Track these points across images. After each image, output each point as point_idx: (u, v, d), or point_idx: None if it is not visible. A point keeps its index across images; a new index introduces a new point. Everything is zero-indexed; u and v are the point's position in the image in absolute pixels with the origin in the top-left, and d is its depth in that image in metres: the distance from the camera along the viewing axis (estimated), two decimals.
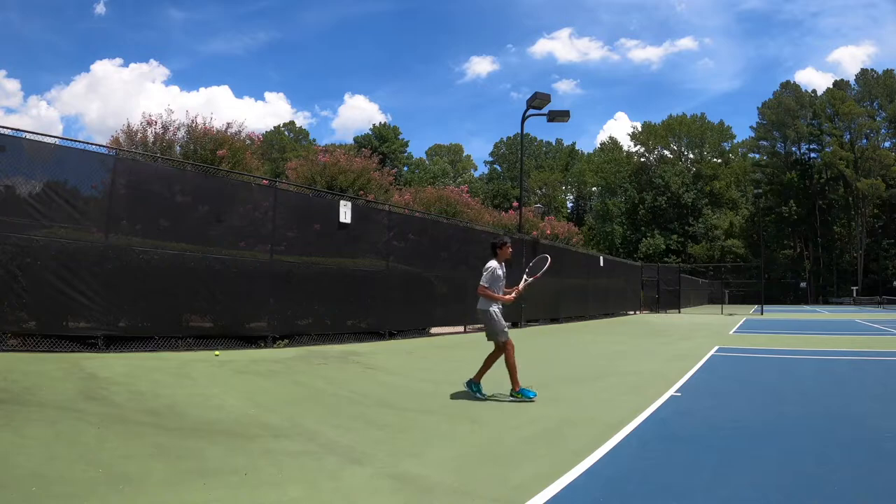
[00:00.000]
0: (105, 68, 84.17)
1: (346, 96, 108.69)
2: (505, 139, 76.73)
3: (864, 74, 58.93)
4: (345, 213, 9.90)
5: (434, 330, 12.32)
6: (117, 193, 7.21)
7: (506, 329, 5.20)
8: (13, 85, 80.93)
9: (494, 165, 77.89)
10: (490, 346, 5.30)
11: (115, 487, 2.68)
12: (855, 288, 51.65)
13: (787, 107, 59.31)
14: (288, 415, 4.40)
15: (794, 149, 61.41)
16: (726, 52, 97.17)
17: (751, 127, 65.58)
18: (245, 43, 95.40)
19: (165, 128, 9.81)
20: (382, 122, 70.10)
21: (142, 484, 2.75)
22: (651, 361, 8.42)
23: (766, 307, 30.96)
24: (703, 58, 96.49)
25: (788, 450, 3.63)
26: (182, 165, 8.84)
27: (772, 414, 4.83)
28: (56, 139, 6.91)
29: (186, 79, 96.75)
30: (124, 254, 7.07)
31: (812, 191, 58.51)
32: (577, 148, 78.45)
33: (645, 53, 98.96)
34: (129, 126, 9.74)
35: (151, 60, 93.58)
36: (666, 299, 29.79)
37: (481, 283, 5.16)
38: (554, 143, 79.60)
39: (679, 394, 5.63)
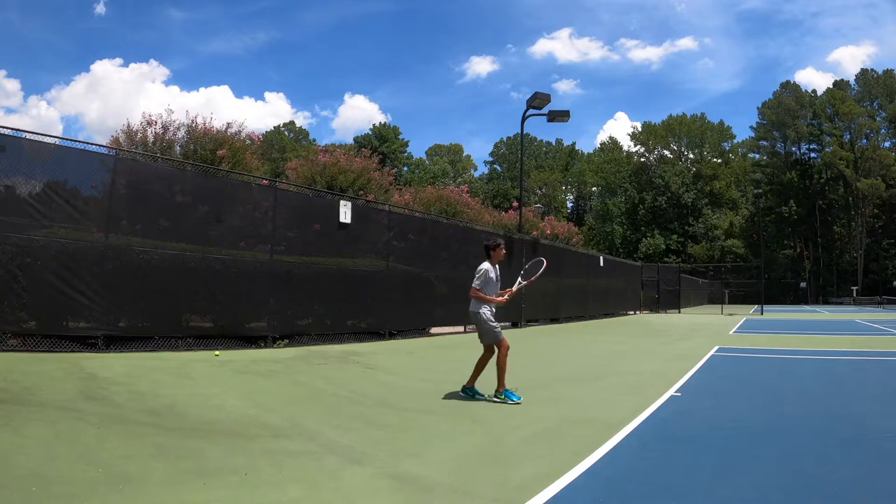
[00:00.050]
0: (105, 68, 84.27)
1: (346, 96, 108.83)
2: (505, 139, 76.80)
3: (864, 74, 58.94)
4: (345, 213, 9.91)
5: (434, 330, 12.32)
6: (117, 193, 7.21)
7: (499, 330, 5.19)
8: (13, 85, 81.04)
9: (494, 165, 77.98)
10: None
11: (115, 487, 2.68)
12: (855, 288, 51.66)
13: (787, 107, 59.32)
14: (288, 415, 4.40)
15: (794, 149, 61.42)
16: (726, 52, 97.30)
17: (751, 127, 65.71)
18: (245, 43, 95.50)
19: (165, 128, 9.80)
20: (382, 122, 70.20)
21: (142, 484, 2.75)
22: (651, 361, 8.42)
23: (766, 307, 30.96)
24: (703, 58, 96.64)
25: (788, 450, 3.63)
26: (182, 165, 8.84)
27: (772, 414, 4.83)
28: (56, 139, 6.92)
29: (186, 79, 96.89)
30: (124, 254, 7.07)
31: (812, 191, 58.51)
32: (577, 148, 78.59)
33: (645, 53, 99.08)
34: (129, 126, 9.73)
35: (151, 60, 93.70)
36: (666, 299, 29.80)
37: (473, 285, 5.17)
38: (554, 143, 79.71)
39: (679, 394, 5.64)
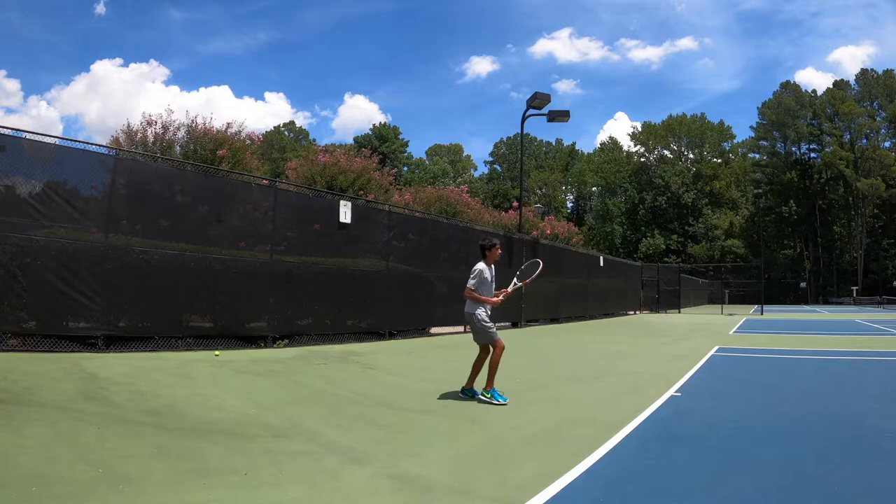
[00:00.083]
0: (105, 68, 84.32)
1: (346, 96, 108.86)
2: (505, 139, 76.83)
3: (864, 74, 58.95)
4: (345, 213, 9.91)
5: (434, 330, 12.31)
6: (117, 193, 7.21)
7: (494, 330, 5.18)
8: (13, 85, 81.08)
9: (494, 165, 77.99)
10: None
11: (115, 487, 2.68)
12: (855, 288, 51.67)
13: (787, 107, 59.32)
14: (288, 415, 4.40)
15: (794, 149, 61.42)
16: (726, 52, 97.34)
17: (751, 127, 65.75)
18: (245, 43, 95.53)
19: (165, 128, 9.79)
20: (382, 122, 70.21)
21: (142, 484, 2.76)
22: (651, 361, 8.41)
23: (766, 307, 30.96)
24: (703, 58, 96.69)
25: (788, 450, 3.63)
26: (182, 165, 8.83)
27: (772, 414, 4.83)
28: (56, 139, 6.91)
29: (186, 79, 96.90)
30: (124, 254, 7.07)
31: (812, 191, 58.52)
32: (577, 148, 78.64)
33: (645, 53, 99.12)
34: (129, 126, 9.72)
35: (151, 60, 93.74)
36: (666, 299, 29.79)
37: (468, 285, 5.16)
38: (554, 143, 79.73)
39: (679, 394, 5.64)
